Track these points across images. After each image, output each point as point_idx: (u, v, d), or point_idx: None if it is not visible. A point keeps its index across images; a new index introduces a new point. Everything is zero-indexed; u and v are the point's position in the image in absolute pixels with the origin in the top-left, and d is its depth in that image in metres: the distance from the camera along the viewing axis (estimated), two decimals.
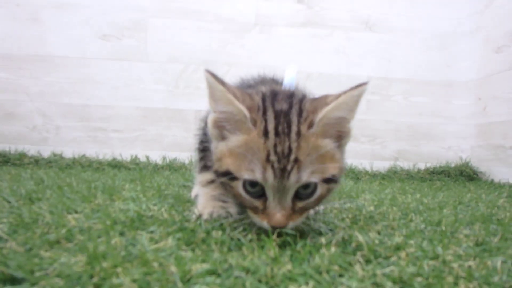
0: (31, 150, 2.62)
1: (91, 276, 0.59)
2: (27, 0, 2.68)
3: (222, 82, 0.80)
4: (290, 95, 0.87)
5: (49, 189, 1.37)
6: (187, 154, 2.69)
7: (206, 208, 1.01)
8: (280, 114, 0.80)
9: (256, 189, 0.80)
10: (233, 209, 1.03)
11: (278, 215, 0.79)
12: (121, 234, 0.81)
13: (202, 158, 1.14)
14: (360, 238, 0.80)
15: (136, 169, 2.41)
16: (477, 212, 1.26)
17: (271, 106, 0.82)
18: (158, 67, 2.75)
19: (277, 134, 0.77)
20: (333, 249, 0.75)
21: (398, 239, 0.85)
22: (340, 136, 0.86)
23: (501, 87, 2.58)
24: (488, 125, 2.70)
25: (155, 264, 0.64)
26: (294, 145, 0.77)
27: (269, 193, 0.79)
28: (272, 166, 0.76)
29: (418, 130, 2.91)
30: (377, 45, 2.88)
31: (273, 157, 0.76)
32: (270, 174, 0.76)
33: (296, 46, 2.83)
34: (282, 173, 0.76)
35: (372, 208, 1.26)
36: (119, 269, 0.60)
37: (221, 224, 0.91)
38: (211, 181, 1.08)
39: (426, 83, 2.92)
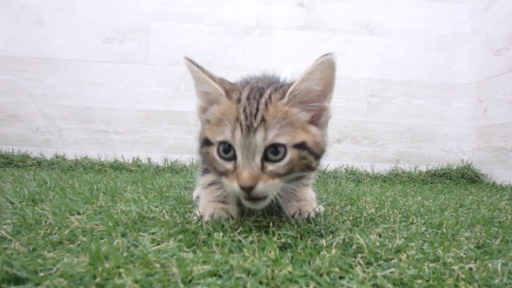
0: (34, 151, 2.63)
1: (94, 277, 0.60)
2: (31, 3, 2.70)
3: (198, 66, 0.90)
4: (272, 82, 0.95)
5: (52, 191, 1.37)
6: (188, 156, 2.70)
7: (207, 210, 1.02)
8: (255, 88, 0.89)
9: (228, 154, 0.85)
10: (233, 211, 1.04)
11: (245, 173, 0.81)
12: (123, 235, 0.82)
13: (202, 162, 1.15)
14: (361, 240, 0.81)
15: (138, 171, 2.42)
16: (479, 214, 1.26)
17: (249, 85, 0.91)
18: (160, 70, 2.77)
19: (248, 99, 0.85)
20: (333, 251, 0.76)
21: (399, 241, 0.85)
22: (318, 114, 0.91)
23: (502, 89, 2.58)
24: (488, 128, 2.70)
25: (157, 265, 0.64)
26: (261, 107, 0.83)
27: (238, 152, 0.83)
28: (240, 124, 0.82)
29: (419, 132, 2.91)
30: (377, 48, 2.89)
31: (241, 116, 0.82)
32: (238, 132, 0.81)
33: (296, 49, 2.83)
34: (249, 130, 0.81)
35: (373, 210, 1.26)
36: (121, 270, 0.61)
37: (222, 226, 0.92)
38: (213, 183, 1.09)
39: (426, 85, 2.92)
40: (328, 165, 2.73)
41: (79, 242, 0.76)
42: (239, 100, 0.86)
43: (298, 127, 0.85)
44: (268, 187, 0.83)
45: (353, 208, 1.28)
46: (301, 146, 0.84)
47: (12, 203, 1.11)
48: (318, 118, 0.91)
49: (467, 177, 2.67)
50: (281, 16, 2.86)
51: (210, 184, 1.10)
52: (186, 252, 0.74)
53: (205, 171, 1.14)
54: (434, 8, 2.93)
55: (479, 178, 2.70)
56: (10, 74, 2.68)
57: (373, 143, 2.88)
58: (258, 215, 1.09)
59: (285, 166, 0.84)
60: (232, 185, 0.83)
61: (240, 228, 0.91)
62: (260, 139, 0.81)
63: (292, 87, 0.86)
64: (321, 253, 0.75)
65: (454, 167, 2.78)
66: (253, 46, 2.81)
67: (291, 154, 0.83)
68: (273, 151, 0.83)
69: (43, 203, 1.14)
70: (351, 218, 1.11)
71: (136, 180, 1.90)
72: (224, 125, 0.84)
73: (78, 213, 1.04)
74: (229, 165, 0.85)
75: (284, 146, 0.83)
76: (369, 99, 2.88)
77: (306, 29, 2.87)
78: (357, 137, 2.87)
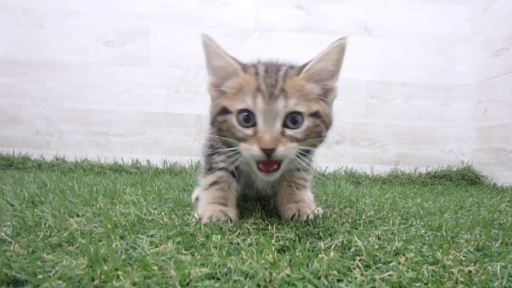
0: (34, 154, 2.63)
1: (93, 279, 0.60)
2: (33, 7, 2.71)
3: (215, 42, 0.95)
4: (284, 63, 1.01)
5: (52, 193, 1.38)
6: (187, 158, 2.70)
7: (205, 212, 1.02)
8: (270, 65, 0.97)
9: (248, 122, 0.90)
10: (232, 213, 1.04)
11: (267, 136, 0.86)
12: (122, 237, 0.82)
13: (208, 162, 1.16)
14: (359, 243, 0.81)
15: (137, 173, 2.42)
16: (478, 216, 1.25)
17: (262, 64, 0.98)
18: (160, 72, 2.77)
19: (266, 72, 0.92)
20: (332, 253, 0.76)
21: (397, 244, 0.85)
22: (327, 92, 0.98)
23: (501, 90, 2.58)
24: (488, 129, 2.69)
25: (155, 268, 0.64)
26: (280, 79, 0.90)
27: (259, 118, 0.88)
28: (262, 93, 0.88)
29: (419, 133, 2.91)
30: (376, 49, 2.89)
31: (262, 86, 0.89)
32: (260, 100, 0.88)
33: (295, 51, 2.83)
34: (270, 97, 0.88)
35: (372, 212, 1.26)
36: (119, 272, 0.61)
37: (221, 228, 0.92)
38: (214, 183, 1.11)
39: (425, 86, 2.92)
40: (327, 167, 2.73)
41: (78, 245, 0.76)
42: (257, 74, 0.92)
43: (312, 100, 0.93)
44: (287, 149, 0.88)
45: (352, 211, 1.28)
46: (315, 114, 0.92)
47: (12, 205, 1.12)
48: (326, 96, 0.98)
49: (467, 178, 2.66)
50: (280, 18, 2.86)
51: (211, 185, 1.11)
52: (184, 254, 0.74)
53: (208, 171, 1.14)
54: (433, 9, 2.93)
55: (479, 179, 2.69)
56: (12, 77, 2.69)
57: (373, 145, 2.88)
58: (256, 217, 1.09)
59: (303, 132, 0.91)
60: (252, 149, 0.88)
61: (239, 231, 0.91)
62: (281, 106, 0.88)
63: (308, 66, 0.94)
64: (320, 255, 0.75)
65: (454, 169, 2.78)
66: (252, 48, 2.82)
67: (307, 122, 0.91)
68: (291, 120, 0.90)
69: (43, 205, 1.14)
70: (350, 221, 1.11)
71: (135, 182, 1.90)
72: (244, 95, 0.89)
73: (78, 215, 1.04)
74: (248, 131, 0.90)
75: (301, 114, 0.90)
76: (369, 101, 2.88)
77: (305, 31, 2.88)
78: (356, 139, 2.87)
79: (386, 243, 0.86)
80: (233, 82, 0.94)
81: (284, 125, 0.89)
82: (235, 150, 0.94)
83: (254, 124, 0.89)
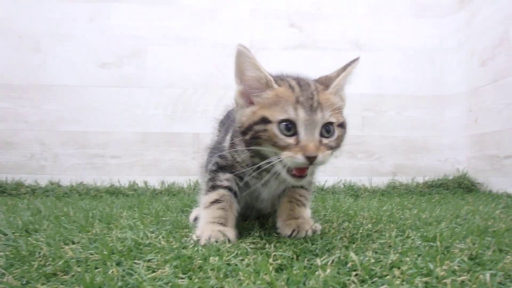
0: (28, 179, 2.61)
1: None
2: (29, 31, 2.74)
3: (251, 53, 1.02)
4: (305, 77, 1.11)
5: (46, 220, 1.37)
6: (185, 178, 2.70)
7: (204, 232, 1.02)
8: (299, 79, 1.05)
9: (290, 132, 0.96)
10: (231, 233, 1.04)
11: (311, 145, 0.94)
12: (118, 264, 0.81)
13: (212, 179, 1.17)
14: (355, 258, 0.81)
15: (134, 195, 2.41)
16: (473, 225, 1.26)
17: (289, 77, 1.07)
18: (157, 92, 2.79)
19: (300, 86, 1.00)
20: (328, 270, 0.76)
21: (393, 256, 0.85)
22: (342, 101, 1.09)
23: (489, 98, 2.63)
24: (481, 136, 2.73)
25: None
26: (315, 93, 0.99)
27: (301, 128, 0.96)
28: (302, 105, 0.96)
29: (414, 144, 2.94)
30: (368, 63, 2.93)
31: (301, 98, 0.97)
32: (301, 111, 0.95)
33: (289, 67, 2.86)
34: (311, 109, 0.96)
35: (369, 226, 1.26)
36: None
37: (218, 250, 0.92)
38: (215, 201, 1.11)
39: (417, 97, 2.97)
40: (326, 181, 2.73)
41: (73, 273, 0.75)
42: (291, 87, 1.00)
43: (337, 111, 1.03)
44: (325, 157, 0.96)
45: (350, 225, 1.28)
46: (341, 125, 1.04)
47: (6, 234, 1.10)
48: (342, 103, 1.10)
49: (463, 186, 2.68)
50: (273, 36, 2.92)
51: (212, 203, 1.12)
52: (181, 278, 0.73)
53: (211, 189, 1.15)
54: (420, 23, 3.02)
55: (475, 186, 2.71)
56: (6, 101, 2.70)
57: (370, 157, 2.89)
58: (255, 236, 1.09)
59: (334, 141, 1.01)
60: (296, 157, 0.94)
61: (236, 251, 0.90)
62: (320, 117, 0.96)
63: (335, 82, 1.05)
64: (317, 272, 0.75)
65: (451, 177, 2.79)
66: None
67: (337, 132, 1.01)
68: (326, 129, 0.99)
69: (37, 233, 1.13)
70: (347, 235, 1.11)
71: (132, 205, 1.89)
72: (284, 106, 0.96)
73: (73, 242, 1.03)
74: (291, 140, 0.96)
75: (333, 124, 1.00)
76: (364, 113, 2.91)
77: (298, 48, 2.93)
78: (353, 152, 2.88)
79: (382, 257, 0.86)
80: (269, 93, 1.00)
81: (320, 134, 0.98)
82: (269, 162, 0.98)
83: (294, 134, 0.96)
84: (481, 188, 2.68)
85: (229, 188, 1.14)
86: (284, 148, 0.95)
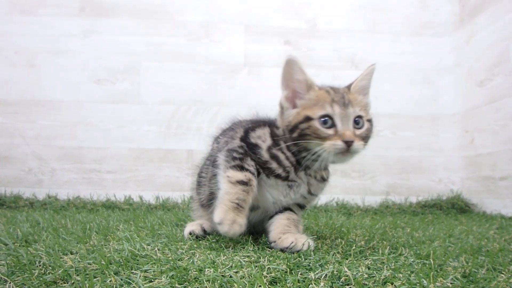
0: (26, 192, 2.63)
1: None
2: (24, 47, 2.78)
3: (300, 61, 1.21)
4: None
5: (45, 231, 1.38)
6: (180, 193, 2.71)
7: (225, 219, 1.11)
8: (332, 87, 1.24)
9: (327, 124, 1.14)
10: (243, 221, 1.14)
11: (348, 132, 1.13)
12: (116, 273, 0.83)
13: (240, 159, 1.21)
14: (349, 272, 0.83)
15: (130, 210, 2.42)
16: (467, 244, 1.28)
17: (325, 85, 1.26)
18: (151, 109, 2.82)
19: (334, 90, 1.20)
20: (322, 283, 0.78)
21: (386, 272, 0.87)
22: (367, 104, 1.26)
23: (486, 119, 2.66)
24: (476, 157, 2.76)
25: None
26: (345, 94, 1.19)
27: (338, 121, 1.14)
28: (337, 103, 1.15)
29: (408, 163, 2.96)
30: None
31: (336, 98, 1.17)
32: (336, 107, 1.14)
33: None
34: (344, 105, 1.15)
35: (362, 243, 1.28)
36: None
37: (214, 262, 0.94)
38: (241, 182, 1.17)
39: (413, 117, 3.00)
40: (319, 199, 2.74)
41: (73, 281, 0.77)
42: (327, 91, 1.20)
43: (365, 109, 1.21)
44: (359, 145, 1.14)
45: (342, 241, 1.30)
46: (369, 121, 1.23)
47: (6, 244, 1.12)
48: (367, 109, 1.26)
49: (457, 207, 2.70)
50: (268, 54, 2.95)
51: (238, 182, 1.16)
52: None
53: (236, 165, 1.19)
54: (417, 42, 3.06)
55: (469, 207, 2.73)
56: (3, 116, 2.72)
57: (363, 176, 2.92)
58: (248, 250, 1.11)
59: (364, 132, 1.18)
60: (337, 144, 1.11)
61: (231, 264, 0.92)
62: (352, 111, 1.15)
63: (354, 83, 1.25)
64: (310, 286, 0.77)
65: (444, 198, 2.82)
66: (241, 84, 2.90)
67: (366, 125, 1.20)
68: (356, 121, 1.17)
69: (37, 244, 1.15)
70: (340, 251, 1.13)
71: (128, 218, 1.90)
72: (323, 105, 1.15)
73: (71, 253, 1.05)
74: (330, 131, 1.14)
75: (362, 118, 1.18)
76: None
77: None
78: (346, 170, 2.91)
79: (375, 272, 0.88)
80: (311, 95, 1.20)
81: (353, 125, 1.16)
82: (314, 153, 1.15)
83: (332, 126, 1.14)
84: (475, 209, 2.71)
85: (255, 175, 1.20)
86: (325, 138, 1.13)
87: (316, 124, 1.15)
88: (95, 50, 2.83)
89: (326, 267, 0.94)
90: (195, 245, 1.19)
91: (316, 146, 1.15)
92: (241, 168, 1.19)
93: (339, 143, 1.12)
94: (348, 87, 1.25)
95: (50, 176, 2.71)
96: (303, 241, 1.14)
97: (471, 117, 2.82)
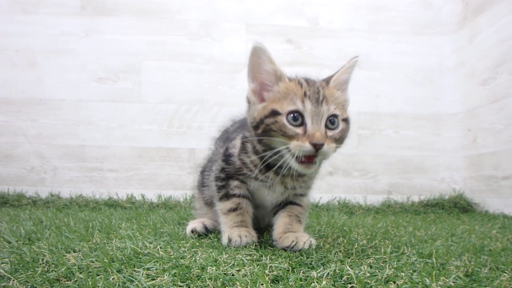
0: (29, 191, 2.63)
1: None
2: (26, 46, 2.78)
3: (268, 50, 1.09)
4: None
5: (48, 229, 1.39)
6: (182, 192, 2.71)
7: (233, 234, 1.16)
8: (307, 79, 1.13)
9: (297, 122, 1.03)
10: (254, 232, 1.20)
11: (318, 134, 1.01)
12: (119, 271, 0.83)
13: (224, 187, 1.25)
14: (351, 271, 0.83)
15: (132, 208, 2.42)
16: (469, 243, 1.28)
17: (299, 77, 1.14)
18: (152, 108, 2.83)
19: (307, 83, 1.08)
20: (324, 282, 0.78)
21: (388, 271, 0.87)
22: (344, 102, 1.15)
23: (489, 118, 2.65)
24: (478, 157, 2.75)
25: None
26: (321, 88, 1.07)
27: (308, 119, 1.03)
28: (309, 98, 1.04)
29: (410, 163, 2.96)
30: (365, 81, 2.97)
31: (308, 93, 1.05)
32: (308, 103, 1.03)
33: None
34: (317, 102, 1.04)
35: (364, 241, 1.28)
36: None
37: (216, 260, 0.94)
38: (232, 209, 1.23)
39: (415, 116, 2.99)
40: (320, 198, 2.75)
41: (76, 279, 0.77)
42: (300, 83, 1.08)
43: (341, 107, 1.11)
44: (330, 148, 1.03)
45: (344, 240, 1.30)
46: (345, 120, 1.11)
47: (9, 242, 1.12)
48: (344, 105, 1.15)
49: (459, 206, 2.70)
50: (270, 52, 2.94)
51: (229, 211, 1.23)
52: (180, 286, 0.75)
53: (223, 196, 1.25)
54: (419, 42, 3.04)
55: (471, 207, 2.73)
56: (5, 115, 2.73)
57: (365, 175, 2.92)
58: (251, 248, 1.11)
59: (338, 133, 1.07)
60: (304, 145, 1.01)
61: (233, 262, 0.92)
62: (325, 109, 1.04)
63: (335, 77, 1.13)
64: (312, 284, 0.77)
65: (447, 197, 2.81)
66: (242, 83, 2.88)
67: (342, 125, 1.09)
68: (331, 121, 1.06)
69: (40, 242, 1.15)
70: (342, 250, 1.13)
71: (130, 217, 1.90)
72: (293, 99, 1.05)
73: (74, 251, 1.05)
74: (299, 130, 1.03)
75: (337, 117, 1.07)
76: (360, 132, 2.94)
77: (294, 64, 2.95)
78: (348, 170, 2.91)
79: (377, 271, 0.88)
80: (280, 87, 1.09)
81: (326, 126, 1.05)
82: (278, 152, 1.06)
83: (302, 124, 1.03)
84: (477, 209, 2.70)
85: (241, 196, 1.24)
86: (292, 137, 1.03)
87: (284, 120, 1.04)
88: (96, 49, 2.83)
89: (328, 265, 0.94)
90: (197, 243, 1.19)
91: (280, 144, 1.05)
92: (227, 196, 1.24)
93: (306, 145, 1.00)
94: (327, 80, 1.14)
95: (53, 174, 2.72)
96: (304, 240, 1.14)
97: (474, 116, 2.81)
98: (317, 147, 1.00)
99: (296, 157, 1.04)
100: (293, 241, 1.13)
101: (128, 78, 2.82)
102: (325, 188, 2.83)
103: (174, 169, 2.79)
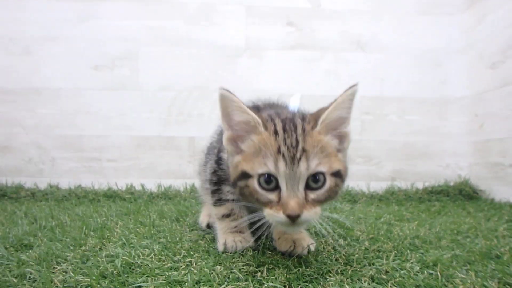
0: (28, 182, 2.61)
1: None
2: (20, 34, 2.69)
3: (235, 96, 0.92)
4: (293, 112, 1.00)
5: (42, 230, 1.37)
6: (182, 181, 2.68)
7: (227, 240, 1.12)
8: (286, 120, 0.92)
9: (270, 185, 0.87)
10: (250, 237, 1.15)
11: (292, 203, 0.84)
12: None
13: (217, 191, 1.19)
14: None
15: (131, 199, 2.40)
16: (476, 246, 1.23)
17: (277, 117, 0.94)
18: (151, 96, 2.75)
19: (285, 131, 0.88)
20: None
21: None
22: (341, 139, 0.96)
23: (497, 103, 2.56)
24: (485, 143, 2.68)
25: None
26: (300, 138, 0.87)
27: (282, 183, 0.86)
28: (283, 156, 0.85)
29: (415, 148, 2.90)
30: (369, 64, 2.88)
31: (283, 148, 0.85)
32: (281, 164, 0.84)
33: (287, 69, 2.83)
34: (293, 161, 0.84)
35: (367, 243, 1.24)
36: None
37: (210, 273, 0.91)
38: (226, 215, 1.18)
39: (420, 100, 2.91)
40: None
41: None
42: (276, 132, 0.88)
43: (332, 155, 0.90)
44: (312, 215, 0.87)
45: (346, 242, 1.26)
46: (336, 174, 0.90)
47: None
48: (342, 143, 0.97)
49: (464, 193, 2.64)
50: (270, 36, 2.84)
51: (223, 216, 1.18)
52: None
53: (217, 202, 1.19)
54: (426, 22, 2.91)
55: (477, 194, 2.67)
56: (1, 105, 2.67)
57: (368, 162, 2.86)
58: (248, 256, 1.07)
59: (324, 193, 0.89)
60: (278, 216, 0.86)
61: (229, 275, 0.89)
62: (303, 169, 0.85)
63: (324, 116, 0.91)
64: None
65: (452, 183, 2.76)
66: (243, 68, 2.81)
67: (329, 182, 0.89)
68: (313, 179, 0.87)
69: (31, 250, 1.12)
70: (343, 256, 1.09)
71: (128, 211, 1.88)
72: (265, 157, 0.86)
73: (66, 260, 1.02)
74: (272, 196, 0.87)
75: (323, 174, 0.87)
76: (363, 117, 2.87)
77: (296, 48, 2.86)
78: (351, 156, 2.83)
79: (379, 287, 0.84)
80: (253, 140, 0.91)
81: (307, 186, 0.87)
82: (258, 216, 0.93)
83: (277, 187, 0.87)
84: (483, 196, 2.65)
85: (235, 200, 1.15)
86: (266, 204, 0.88)
87: (255, 184, 0.88)
88: (92, 35, 2.73)
89: (327, 278, 0.90)
90: (193, 247, 1.17)
91: (259, 207, 0.92)
92: (221, 201, 1.18)
93: (280, 216, 0.85)
94: (316, 118, 0.92)
95: (51, 165, 2.68)
96: (303, 245, 1.10)
97: (481, 101, 2.73)
98: (293, 218, 0.84)
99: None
100: (290, 246, 1.09)
101: (125, 65, 2.74)
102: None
103: (174, 157, 2.74)
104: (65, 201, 2.33)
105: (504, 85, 2.50)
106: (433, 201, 2.53)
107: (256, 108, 1.11)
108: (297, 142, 0.86)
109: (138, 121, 2.73)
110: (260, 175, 0.87)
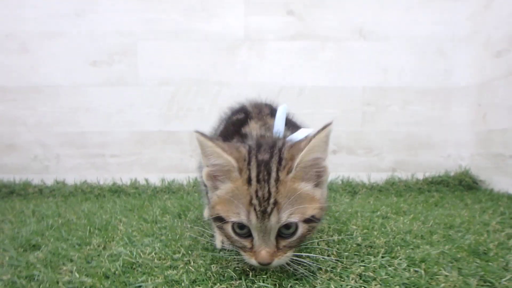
0: (35, 178, 2.67)
1: None
2: (15, 31, 2.70)
3: (211, 139, 0.92)
4: (272, 145, 0.98)
5: (48, 230, 1.43)
6: (185, 175, 2.73)
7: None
8: (261, 164, 0.91)
9: (244, 230, 0.91)
10: None
11: (263, 253, 0.89)
12: None
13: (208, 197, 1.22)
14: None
15: (136, 194, 2.47)
16: (466, 241, 1.26)
17: (254, 157, 0.93)
18: (150, 91, 2.78)
19: (258, 181, 0.88)
20: None
21: (375, 287, 0.89)
22: (319, 175, 0.96)
23: (501, 93, 2.53)
24: (487, 133, 2.68)
25: None
26: (273, 190, 0.88)
27: (255, 233, 0.90)
28: (255, 209, 0.87)
29: (416, 139, 2.90)
30: (372, 54, 2.85)
31: (255, 201, 0.87)
32: (253, 216, 0.87)
33: (287, 60, 2.82)
34: (263, 215, 0.87)
35: (360, 239, 1.29)
36: None
37: (206, 273, 0.96)
38: None
39: (423, 90, 2.89)
40: None
41: None
42: (249, 181, 0.89)
43: (306, 200, 0.91)
44: (282, 261, 0.93)
45: (340, 237, 1.31)
46: (310, 220, 0.91)
47: (7, 251, 1.16)
48: (319, 178, 0.97)
49: (464, 184, 2.67)
50: (270, 26, 2.81)
51: None
52: None
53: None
54: (430, 9, 2.86)
55: (477, 184, 2.70)
56: (2, 104, 2.71)
57: (369, 153, 2.89)
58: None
59: (296, 240, 0.92)
60: (251, 261, 0.92)
61: (224, 273, 0.94)
62: (274, 221, 0.87)
63: (297, 160, 0.90)
64: None
65: (452, 174, 2.78)
66: (242, 60, 2.81)
67: (302, 229, 0.91)
68: (286, 227, 0.90)
69: (39, 250, 1.19)
70: (335, 252, 1.13)
71: (132, 207, 1.94)
72: (238, 207, 0.89)
73: (71, 260, 1.08)
74: (246, 242, 0.92)
75: (295, 223, 0.90)
76: (365, 108, 2.87)
77: (297, 38, 2.83)
78: (352, 148, 2.88)
79: (364, 285, 0.89)
80: (227, 187, 0.92)
81: (279, 234, 0.91)
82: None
83: (250, 235, 0.91)
84: (483, 186, 2.67)
85: None
86: (240, 248, 0.94)
87: (229, 229, 0.92)
88: (89, 30, 2.73)
89: (315, 277, 0.95)
90: (192, 245, 1.22)
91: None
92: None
93: (253, 261, 0.91)
94: (292, 158, 0.91)
95: (56, 162, 2.74)
96: None
97: (485, 90, 2.70)
98: (263, 265, 0.90)
99: None
100: None
101: (123, 60, 2.76)
102: (329, 167, 2.81)
103: (176, 152, 2.79)
104: (72, 197, 2.40)
105: (508, 74, 2.46)
106: (432, 192, 2.56)
107: (242, 121, 1.16)
108: (269, 194, 0.87)
109: (139, 117, 2.76)
110: (234, 223, 0.91)
